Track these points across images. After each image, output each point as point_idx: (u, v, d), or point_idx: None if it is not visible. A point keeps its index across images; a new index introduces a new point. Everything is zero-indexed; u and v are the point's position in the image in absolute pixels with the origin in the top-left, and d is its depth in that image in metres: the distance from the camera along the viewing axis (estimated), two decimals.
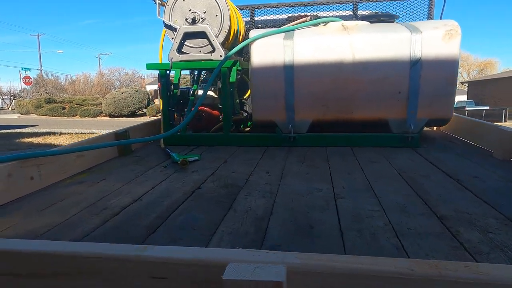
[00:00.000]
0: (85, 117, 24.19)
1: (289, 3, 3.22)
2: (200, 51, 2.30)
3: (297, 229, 1.05)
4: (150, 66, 2.38)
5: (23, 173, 1.46)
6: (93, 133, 7.63)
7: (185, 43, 2.30)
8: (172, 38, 2.34)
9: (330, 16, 3.00)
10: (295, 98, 2.16)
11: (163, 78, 2.34)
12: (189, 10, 2.27)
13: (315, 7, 3.18)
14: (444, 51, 1.98)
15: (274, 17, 3.25)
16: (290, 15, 3.14)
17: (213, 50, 2.25)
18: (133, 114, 25.59)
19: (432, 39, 1.98)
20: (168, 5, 2.29)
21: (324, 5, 3.14)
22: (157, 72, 2.42)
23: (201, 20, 2.25)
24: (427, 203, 1.22)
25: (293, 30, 2.25)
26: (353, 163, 1.81)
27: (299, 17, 3.00)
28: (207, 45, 2.28)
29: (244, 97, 3.05)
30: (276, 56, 2.14)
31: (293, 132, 2.21)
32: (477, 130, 2.15)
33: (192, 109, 2.38)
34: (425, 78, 2.01)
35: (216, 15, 2.26)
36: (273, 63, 2.15)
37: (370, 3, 3.06)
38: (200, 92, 2.66)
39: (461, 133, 2.37)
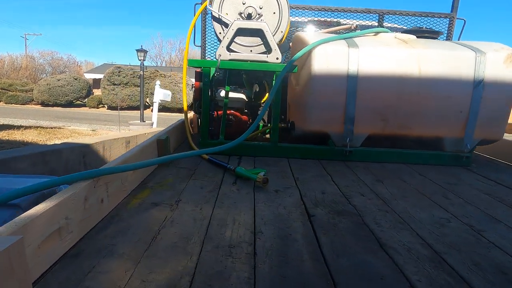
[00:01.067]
0: (11, 104, 21.45)
1: (310, 6, 3.10)
2: (251, 51, 2.06)
3: None
4: (193, 63, 2.07)
5: (96, 195, 1.12)
6: (61, 127, 6.60)
7: (234, 40, 2.03)
8: (220, 33, 2.06)
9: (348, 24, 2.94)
10: (356, 110, 2.03)
11: (206, 78, 2.05)
12: (243, 4, 2.02)
13: (338, 13, 3.10)
14: (505, 74, 2.01)
15: (293, 19, 3.10)
16: (316, 19, 3.02)
17: (269, 51, 2.03)
18: (70, 104, 23.38)
19: (494, 62, 2.00)
20: None
21: (349, 13, 3.07)
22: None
23: (257, 16, 2.01)
24: None
25: (351, 38, 2.12)
26: (434, 183, 1.74)
27: (331, 22, 2.89)
28: (259, 44, 2.05)
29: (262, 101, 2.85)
30: (340, 64, 1.99)
31: (349, 146, 2.09)
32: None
33: (226, 113, 2.13)
34: (485, 99, 2.02)
35: (274, 13, 2.03)
36: (336, 72, 2.00)
37: (394, 15, 3.06)
38: (232, 94, 2.40)
39: (485, 152, 2.47)
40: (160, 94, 9.21)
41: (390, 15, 3.05)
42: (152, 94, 23.30)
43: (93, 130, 6.28)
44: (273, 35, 2.04)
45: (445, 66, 2.00)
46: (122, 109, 23.10)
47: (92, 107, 24.44)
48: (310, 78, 2.02)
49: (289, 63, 1.96)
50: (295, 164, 2.01)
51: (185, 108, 2.51)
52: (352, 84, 2.00)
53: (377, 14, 3.05)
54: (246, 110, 2.59)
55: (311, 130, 2.14)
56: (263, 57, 2.02)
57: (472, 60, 2.00)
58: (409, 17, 3.05)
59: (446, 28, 3.03)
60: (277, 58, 2.01)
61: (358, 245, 1.05)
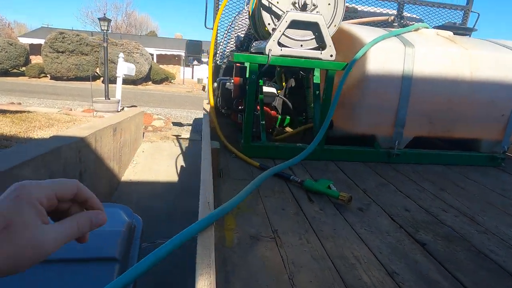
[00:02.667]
0: None
1: None
2: (301, 45, 1.86)
3: None
4: (239, 57, 1.82)
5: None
6: (30, 111, 5.67)
7: (284, 33, 1.82)
8: (269, 24, 1.83)
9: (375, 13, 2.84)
10: (407, 113, 1.96)
11: (253, 74, 1.83)
12: None
13: (357, 0, 2.95)
14: None
15: None
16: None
17: (323, 47, 1.85)
18: (5, 73, 20.99)
19: None
20: None
21: (368, 0, 2.94)
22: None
23: (312, 7, 1.80)
24: None
25: (399, 34, 2.01)
26: (491, 191, 1.76)
27: (348, 9, 2.75)
28: (311, 39, 1.86)
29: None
30: (396, 64, 1.89)
31: (396, 148, 2.03)
32: None
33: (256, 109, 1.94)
34: None
35: (329, 4, 1.84)
36: (390, 72, 1.89)
37: (414, 5, 2.99)
38: (268, 89, 2.20)
39: None
40: (124, 68, 8.46)
41: (410, 4, 2.98)
42: (103, 64, 21.60)
43: (66, 114, 5.59)
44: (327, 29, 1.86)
45: (495, 70, 1.98)
46: (68, 79, 21.12)
47: (33, 77, 22.08)
48: (363, 77, 1.90)
49: (352, 62, 1.81)
50: (346, 169, 1.91)
51: (211, 103, 2.27)
52: (406, 85, 1.91)
53: (397, 3, 2.96)
54: (273, 105, 2.41)
55: (356, 132, 2.04)
56: (316, 54, 1.84)
57: None
58: (429, 7, 3.00)
59: (461, 21, 3.04)
60: (331, 56, 1.84)
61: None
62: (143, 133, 6.23)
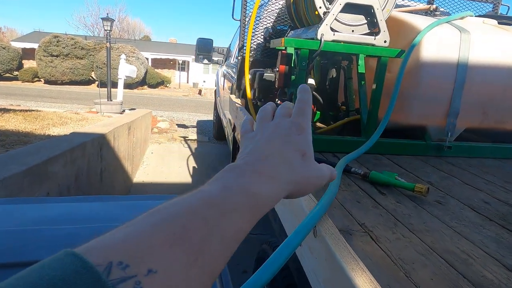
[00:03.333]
0: None
1: None
2: (352, 31, 1.75)
3: None
4: (290, 42, 1.71)
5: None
6: (38, 110, 5.43)
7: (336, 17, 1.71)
8: (320, 8, 1.72)
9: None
10: (462, 103, 1.86)
11: (304, 61, 1.71)
12: None
13: None
14: None
15: None
16: None
17: (377, 33, 1.74)
18: None
19: None
20: None
21: None
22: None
23: None
24: None
25: (448, 22, 1.92)
26: None
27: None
28: (363, 24, 1.75)
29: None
30: (451, 52, 1.79)
31: (448, 141, 1.93)
32: None
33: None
34: None
35: None
36: (446, 60, 1.79)
37: None
38: (310, 81, 2.09)
39: None
40: (126, 70, 8.31)
41: None
42: (99, 68, 21.34)
43: (76, 113, 5.39)
44: None
45: None
46: (63, 83, 20.79)
47: (26, 81, 21.78)
48: (417, 66, 1.79)
49: (410, 48, 1.71)
50: (399, 162, 1.80)
51: (249, 95, 2.15)
52: (461, 74, 1.81)
53: None
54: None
55: (407, 123, 1.94)
56: (370, 39, 1.74)
57: None
58: (457, 0, 2.93)
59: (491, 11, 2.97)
60: (385, 41, 1.74)
61: None
62: (150, 134, 6.08)
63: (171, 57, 29.46)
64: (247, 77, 2.16)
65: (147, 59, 26.88)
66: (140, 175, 4.32)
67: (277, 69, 1.87)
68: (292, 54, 1.84)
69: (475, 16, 2.21)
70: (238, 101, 2.51)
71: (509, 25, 2.27)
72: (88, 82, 21.96)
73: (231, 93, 3.18)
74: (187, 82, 29.80)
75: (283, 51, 1.85)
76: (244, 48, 2.61)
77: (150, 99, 15.20)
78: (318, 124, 2.54)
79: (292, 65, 1.87)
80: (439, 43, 1.78)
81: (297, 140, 0.40)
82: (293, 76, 1.84)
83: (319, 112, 2.48)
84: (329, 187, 1.10)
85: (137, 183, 4.01)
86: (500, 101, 1.91)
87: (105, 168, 2.55)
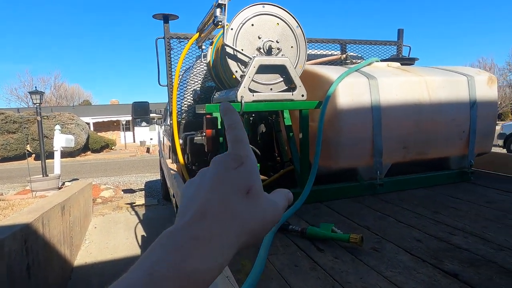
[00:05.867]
0: None
1: None
2: (271, 89, 1.83)
3: None
4: (212, 108, 1.72)
5: None
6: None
7: (253, 78, 1.78)
8: (236, 72, 1.78)
9: (321, 54, 2.99)
10: (383, 141, 1.98)
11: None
12: (259, 38, 1.79)
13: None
14: (489, 94, 2.25)
15: None
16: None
17: (293, 89, 1.83)
18: None
19: (480, 83, 2.22)
20: (232, 29, 1.74)
21: (314, 43, 3.10)
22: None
23: (277, 51, 1.80)
24: None
25: (357, 70, 2.09)
26: (482, 206, 1.77)
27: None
28: (280, 81, 1.84)
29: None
30: (363, 96, 1.93)
31: (378, 178, 2.01)
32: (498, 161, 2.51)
33: None
34: (479, 117, 2.21)
35: (292, 47, 1.86)
36: (360, 104, 1.92)
37: (354, 44, 3.21)
38: None
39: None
40: (62, 141, 7.87)
41: (351, 44, 3.19)
42: (35, 140, 20.05)
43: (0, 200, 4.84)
44: None
45: (448, 91, 2.12)
46: None
47: None
48: (335, 114, 1.89)
49: (326, 100, 1.80)
50: (337, 208, 1.82)
51: (181, 161, 2.10)
52: (377, 116, 1.94)
53: (339, 44, 3.16)
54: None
55: (338, 167, 2.00)
56: (288, 95, 1.81)
57: (466, 83, 2.17)
58: (366, 45, 3.24)
59: (396, 53, 3.32)
60: (303, 96, 1.83)
61: None
62: (92, 207, 5.65)
63: (114, 119, 28.74)
64: (177, 143, 2.12)
65: (88, 123, 25.91)
66: (82, 255, 3.92)
67: (204, 133, 1.86)
68: (217, 117, 1.85)
69: (381, 60, 2.44)
70: (174, 166, 2.44)
71: (410, 65, 2.53)
72: (23, 156, 20.43)
73: (169, 157, 3.10)
74: (134, 142, 29.01)
75: (207, 116, 1.85)
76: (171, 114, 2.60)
77: (94, 165, 14.44)
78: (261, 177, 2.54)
79: (219, 127, 1.87)
80: (351, 91, 1.91)
81: (235, 175, 0.31)
82: (222, 138, 1.84)
83: (258, 165, 2.49)
84: (256, 262, 1.05)
85: (78, 267, 3.62)
86: (416, 134, 2.07)
87: (33, 262, 2.25)
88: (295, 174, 1.97)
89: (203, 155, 1.99)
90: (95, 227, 5.03)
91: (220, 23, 1.71)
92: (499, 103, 25.87)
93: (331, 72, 1.97)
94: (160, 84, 2.65)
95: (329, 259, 1.25)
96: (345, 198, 1.99)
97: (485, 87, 2.23)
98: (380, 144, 1.97)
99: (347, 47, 3.22)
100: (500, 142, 9.82)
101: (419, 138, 2.08)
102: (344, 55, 2.49)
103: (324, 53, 3.14)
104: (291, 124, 2.05)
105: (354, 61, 2.68)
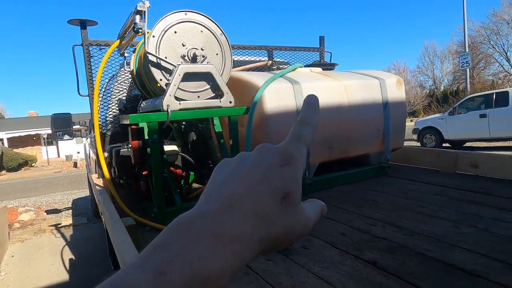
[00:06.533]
0: None
1: None
2: (198, 96, 1.81)
3: None
4: (136, 118, 1.64)
5: None
6: None
7: (179, 86, 1.75)
8: (161, 80, 1.73)
9: (249, 60, 3.07)
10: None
11: (155, 134, 1.67)
12: (183, 45, 1.77)
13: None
14: (398, 95, 2.50)
15: None
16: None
17: (221, 96, 1.84)
18: None
19: (390, 85, 2.46)
20: (153, 36, 1.69)
21: (241, 50, 3.15)
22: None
23: (202, 58, 1.79)
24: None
25: (282, 75, 2.18)
26: (405, 199, 1.96)
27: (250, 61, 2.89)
28: (207, 88, 1.83)
29: None
30: (289, 101, 2.01)
31: (307, 178, 2.11)
32: (414, 155, 2.80)
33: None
34: (391, 116, 2.45)
35: (217, 54, 1.86)
36: (286, 109, 2.00)
37: (280, 51, 3.34)
38: (169, 147, 2.05)
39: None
40: None
41: (277, 51, 3.31)
42: None
43: None
44: None
45: (364, 93, 2.32)
46: None
47: None
48: (263, 118, 1.95)
49: (253, 105, 1.83)
50: None
51: (107, 175, 1.97)
52: None
53: (266, 50, 3.26)
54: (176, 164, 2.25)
55: None
56: (216, 103, 1.82)
57: (378, 86, 2.39)
58: (291, 52, 3.39)
59: (319, 58, 3.53)
60: (230, 102, 1.84)
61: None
62: (9, 233, 5.02)
63: (32, 133, 26.00)
64: (101, 156, 1.99)
65: (1, 139, 23.10)
66: None
67: (130, 145, 1.77)
68: (143, 127, 1.78)
69: (304, 66, 2.58)
70: (100, 181, 2.28)
71: (331, 70, 2.71)
72: None
73: (95, 172, 2.90)
74: (58, 156, 26.55)
75: (132, 127, 1.77)
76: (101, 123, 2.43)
77: (10, 186, 12.87)
78: (195, 185, 2.50)
79: (147, 138, 1.80)
80: (277, 97, 1.98)
81: (278, 175, 0.28)
82: (149, 149, 1.77)
83: (192, 173, 2.45)
84: None
85: None
86: (339, 135, 2.22)
87: None
88: None
89: (130, 168, 1.90)
90: (13, 256, 4.48)
91: (140, 30, 1.65)
92: (412, 101, 28.99)
93: (257, 78, 2.02)
94: (80, 94, 2.47)
95: (261, 262, 1.27)
96: None
97: (395, 89, 2.48)
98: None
99: (273, 54, 3.34)
100: (415, 136, 10.98)
101: (341, 138, 2.23)
102: (270, 62, 2.57)
103: (252, 59, 3.21)
104: (221, 130, 2.05)
105: (280, 66, 2.78)
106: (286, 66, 2.85)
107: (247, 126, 1.83)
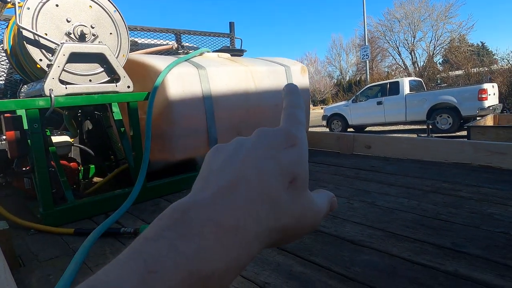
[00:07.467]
0: None
1: None
2: (90, 80, 1.62)
3: None
4: (10, 105, 1.38)
5: None
6: None
7: (65, 68, 1.54)
8: (41, 60, 1.50)
9: (153, 44, 2.91)
10: (217, 130, 2.06)
11: (36, 123, 1.45)
12: (68, 21, 1.55)
13: (136, 33, 2.91)
14: (303, 82, 2.62)
15: None
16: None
17: (117, 80, 1.67)
18: None
19: (295, 72, 2.56)
20: (28, 8, 1.44)
21: (146, 32, 2.95)
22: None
23: (92, 37, 1.60)
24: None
25: (187, 60, 2.10)
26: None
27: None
28: (101, 71, 1.65)
29: None
30: (194, 87, 1.94)
31: None
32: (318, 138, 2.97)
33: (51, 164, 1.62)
34: None
35: (111, 33, 1.68)
36: (192, 95, 1.93)
37: (189, 35, 3.21)
38: (59, 138, 1.82)
39: None
40: None
41: (185, 35, 3.18)
42: None
43: None
44: None
45: (270, 80, 2.36)
46: None
47: None
48: (167, 105, 1.85)
49: (154, 90, 1.71)
50: (176, 200, 1.80)
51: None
52: (209, 105, 2.00)
53: (174, 34, 3.10)
54: (69, 156, 2.02)
55: (178, 159, 1.97)
56: (112, 87, 1.65)
57: (284, 73, 2.47)
58: (201, 36, 3.29)
59: (229, 44, 3.50)
60: (129, 87, 1.70)
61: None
62: None
63: None
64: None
65: None
66: None
67: (4, 137, 1.51)
68: (21, 116, 1.53)
69: (212, 51, 2.52)
70: None
71: (240, 56, 2.71)
72: None
73: None
74: None
75: (6, 115, 1.51)
76: None
77: None
78: (97, 178, 2.28)
79: (27, 128, 1.56)
80: (181, 82, 1.89)
81: (285, 157, 0.24)
82: (30, 141, 1.53)
83: (93, 166, 2.23)
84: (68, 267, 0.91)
85: None
86: (247, 121, 2.23)
87: None
88: (130, 172, 1.83)
89: (6, 163, 1.62)
90: None
91: (8, 1, 1.39)
92: (322, 90, 31.17)
93: (159, 62, 1.90)
94: None
95: None
96: (185, 189, 1.99)
97: (299, 76, 2.59)
98: (215, 132, 2.04)
99: (182, 38, 3.20)
100: (324, 122, 11.86)
101: (249, 123, 2.25)
102: (176, 45, 2.45)
103: (159, 43, 3.03)
104: (121, 118, 1.89)
105: (188, 51, 2.68)
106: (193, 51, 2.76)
107: (147, 114, 1.71)
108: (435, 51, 25.02)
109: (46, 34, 1.49)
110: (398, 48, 27.21)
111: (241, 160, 0.24)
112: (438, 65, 24.52)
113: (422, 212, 1.40)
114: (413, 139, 2.45)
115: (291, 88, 0.32)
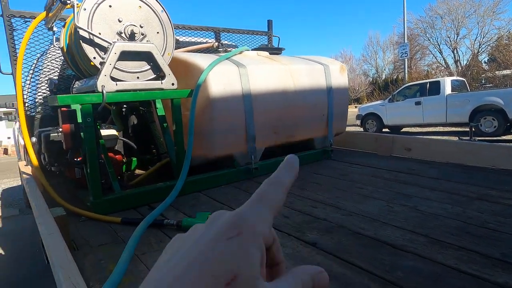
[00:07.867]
0: None
1: None
2: (138, 77, 1.70)
3: None
4: (66, 100, 1.49)
5: None
6: None
7: (116, 66, 1.63)
8: (95, 58, 1.59)
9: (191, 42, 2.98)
10: (255, 127, 2.08)
11: (88, 117, 1.54)
12: (120, 21, 1.63)
13: (177, 31, 2.99)
14: (341, 81, 2.58)
15: None
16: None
17: (162, 77, 1.74)
18: None
19: (334, 71, 2.53)
20: (85, 9, 1.54)
21: (187, 30, 3.03)
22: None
23: (141, 36, 1.68)
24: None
25: (228, 58, 2.13)
26: (347, 181, 2.04)
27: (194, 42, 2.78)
28: (147, 69, 1.73)
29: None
30: (235, 85, 1.98)
31: (253, 163, 2.12)
32: (351, 139, 2.93)
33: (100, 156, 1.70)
34: (335, 102, 2.53)
35: (158, 32, 1.76)
36: (232, 93, 1.97)
37: (228, 33, 3.26)
38: (107, 132, 1.93)
39: None
40: None
41: (225, 33, 3.23)
42: None
43: None
44: None
45: (309, 79, 2.35)
46: None
47: None
48: (208, 103, 1.90)
49: (197, 88, 1.77)
50: (215, 195, 1.85)
51: (35, 162, 1.80)
52: (248, 102, 2.03)
53: (213, 32, 3.16)
54: (117, 149, 2.13)
55: (216, 156, 2.02)
56: (157, 84, 1.72)
57: (323, 72, 2.45)
58: (240, 34, 3.33)
59: (267, 42, 3.52)
60: (173, 84, 1.76)
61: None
62: None
63: None
64: (28, 142, 1.80)
65: None
66: None
67: (60, 129, 1.62)
68: (75, 110, 1.64)
69: (251, 49, 2.54)
70: (28, 169, 2.08)
71: (278, 54, 2.71)
72: None
73: (21, 159, 2.64)
74: None
75: (63, 109, 1.62)
76: (26, 105, 2.20)
77: None
78: (138, 171, 2.39)
79: (80, 122, 1.66)
80: (223, 80, 1.93)
81: (221, 253, 0.21)
82: (83, 134, 1.64)
83: (135, 159, 2.34)
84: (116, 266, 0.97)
85: None
86: (284, 120, 2.24)
87: None
88: (172, 166, 1.91)
89: (62, 154, 1.75)
90: None
91: (68, 2, 1.49)
92: (356, 88, 30.41)
93: (201, 60, 1.95)
94: (2, 72, 2.21)
95: None
96: (223, 184, 2.04)
97: (338, 75, 2.56)
98: (253, 130, 2.07)
99: (221, 36, 3.25)
100: (358, 122, 11.58)
101: (287, 123, 2.26)
102: (216, 43, 2.50)
103: (199, 41, 3.10)
104: (164, 114, 1.97)
105: (227, 49, 2.72)
106: (232, 49, 2.80)
107: (190, 110, 1.77)
108: (480, 49, 23.62)
109: (100, 34, 1.58)
110: (439, 46, 25.95)
111: (173, 266, 0.21)
112: (483, 64, 23.13)
113: (468, 219, 1.35)
114: (457, 142, 2.35)
115: (288, 160, 0.29)
